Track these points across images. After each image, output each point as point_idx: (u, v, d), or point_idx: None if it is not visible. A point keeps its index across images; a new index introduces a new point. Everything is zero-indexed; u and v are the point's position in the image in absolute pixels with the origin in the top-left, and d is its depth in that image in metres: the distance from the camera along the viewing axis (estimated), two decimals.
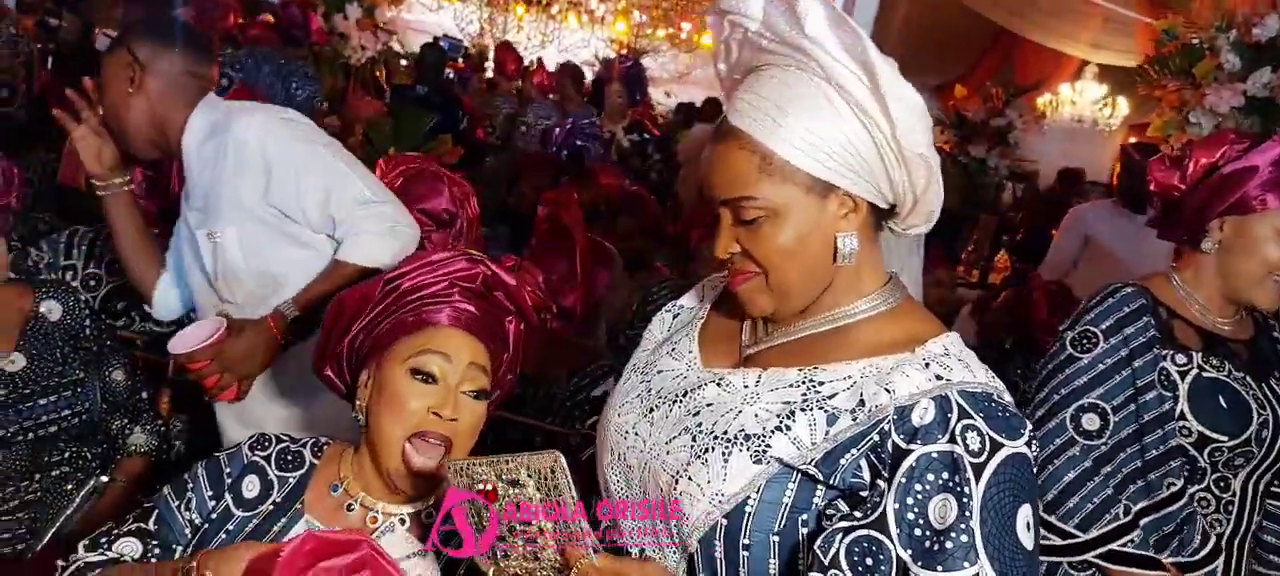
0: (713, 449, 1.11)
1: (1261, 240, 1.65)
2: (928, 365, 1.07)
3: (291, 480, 1.39)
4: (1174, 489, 1.66)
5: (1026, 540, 1.02)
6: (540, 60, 7.62)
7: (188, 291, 2.01)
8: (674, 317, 1.38)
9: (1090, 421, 1.66)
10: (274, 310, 1.81)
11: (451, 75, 7.53)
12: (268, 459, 1.41)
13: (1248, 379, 1.68)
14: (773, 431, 1.09)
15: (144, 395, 2.04)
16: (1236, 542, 1.71)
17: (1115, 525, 1.62)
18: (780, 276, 1.13)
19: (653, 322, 1.39)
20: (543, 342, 2.39)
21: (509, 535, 1.09)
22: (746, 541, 1.09)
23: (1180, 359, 1.67)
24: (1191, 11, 3.15)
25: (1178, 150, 1.85)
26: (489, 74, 8.04)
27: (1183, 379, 1.66)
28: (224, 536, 1.35)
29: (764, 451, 1.08)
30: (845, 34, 1.06)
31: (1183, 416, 1.64)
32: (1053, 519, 1.65)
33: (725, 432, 1.12)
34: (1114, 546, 1.62)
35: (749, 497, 1.08)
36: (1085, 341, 1.69)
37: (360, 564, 0.64)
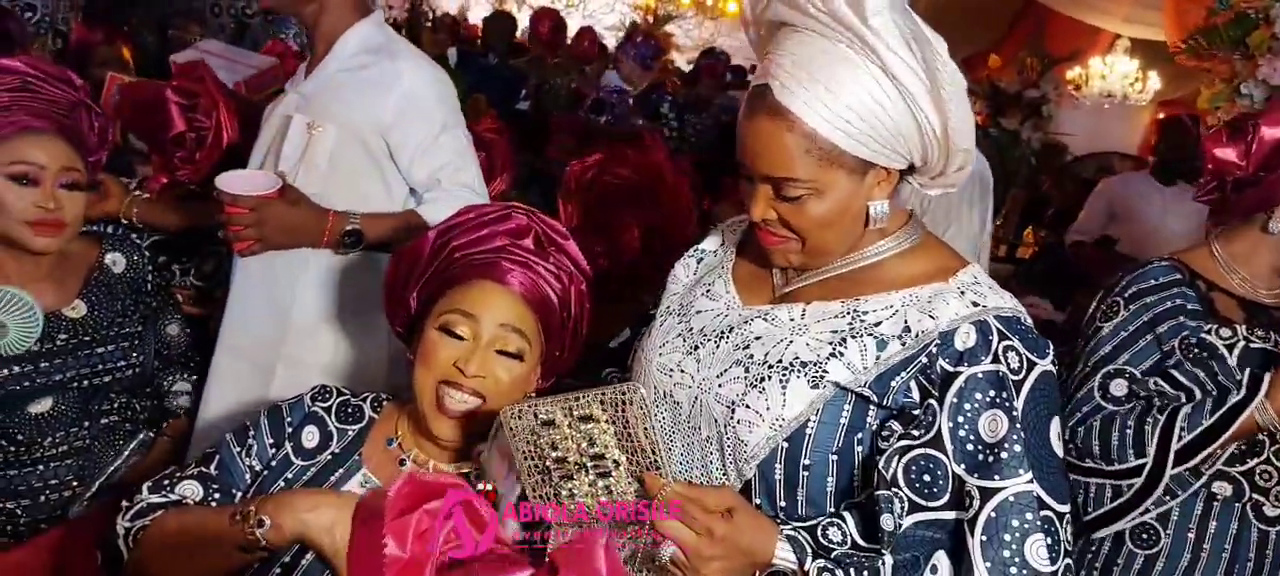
0: (769, 378, 1.17)
1: None
2: (963, 293, 1.16)
3: (350, 432, 1.40)
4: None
5: (1057, 448, 1.13)
6: (588, 28, 7.54)
7: None
8: (698, 261, 1.42)
9: (1118, 387, 1.67)
10: (339, 211, 1.85)
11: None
12: (328, 410, 1.41)
13: None
14: (827, 357, 1.16)
15: (193, 354, 2.05)
16: None
17: (1159, 431, 1.60)
18: (816, 242, 1.19)
19: (676, 268, 1.43)
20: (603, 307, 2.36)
21: (577, 473, 1.11)
22: (806, 461, 1.16)
23: (1224, 332, 1.66)
24: None
25: (1226, 122, 1.80)
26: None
27: (1231, 351, 1.65)
28: (282, 484, 1.35)
29: (821, 376, 1.15)
30: (907, 24, 1.07)
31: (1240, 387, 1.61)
32: (1109, 468, 1.63)
33: (779, 361, 1.18)
34: (1174, 450, 1.59)
35: (809, 420, 1.15)
36: (1110, 310, 1.72)
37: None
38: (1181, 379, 1.65)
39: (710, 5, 11.70)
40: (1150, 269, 1.73)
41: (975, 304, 1.14)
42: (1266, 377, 1.57)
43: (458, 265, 1.35)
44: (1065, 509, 1.10)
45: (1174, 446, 1.59)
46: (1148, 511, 1.67)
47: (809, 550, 1.12)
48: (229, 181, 1.80)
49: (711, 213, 3.22)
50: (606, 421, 1.08)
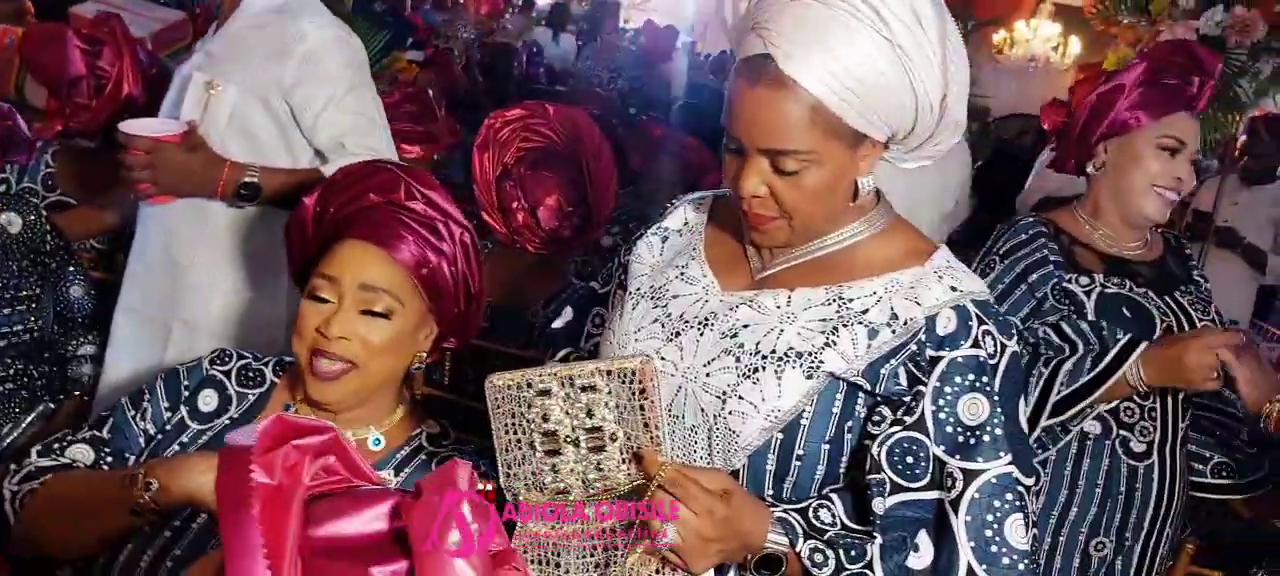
0: (763, 368, 1.15)
1: (1142, 155, 1.78)
2: (941, 277, 1.17)
3: (251, 397, 1.38)
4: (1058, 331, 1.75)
5: (1024, 425, 1.19)
6: None
7: None
8: (663, 241, 1.36)
9: None
10: (236, 163, 1.82)
11: None
12: (227, 374, 1.39)
13: (1149, 293, 1.78)
14: (822, 347, 1.15)
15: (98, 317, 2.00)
16: (1167, 450, 1.79)
17: (1041, 384, 1.70)
18: (805, 220, 1.16)
19: (639, 247, 1.36)
20: (508, 267, 2.36)
21: (566, 447, 1.07)
22: (800, 452, 1.16)
23: (1083, 280, 1.78)
24: None
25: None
26: None
27: (1088, 298, 1.75)
28: (177, 448, 1.33)
29: (817, 366, 1.14)
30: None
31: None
32: None
33: (773, 352, 1.16)
34: (1052, 402, 1.69)
35: (805, 411, 1.15)
36: (986, 267, 1.81)
37: (327, 447, 0.64)
38: (1068, 331, 1.75)
39: None
40: (1018, 226, 1.84)
41: (953, 288, 1.15)
42: (1142, 346, 1.66)
43: (332, 225, 1.33)
44: (1031, 481, 1.15)
45: (1052, 398, 1.68)
46: None
47: (800, 532, 1.12)
48: (133, 126, 1.78)
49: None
50: (609, 394, 1.04)
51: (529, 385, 1.05)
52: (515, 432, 1.08)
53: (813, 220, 1.17)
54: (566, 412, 1.06)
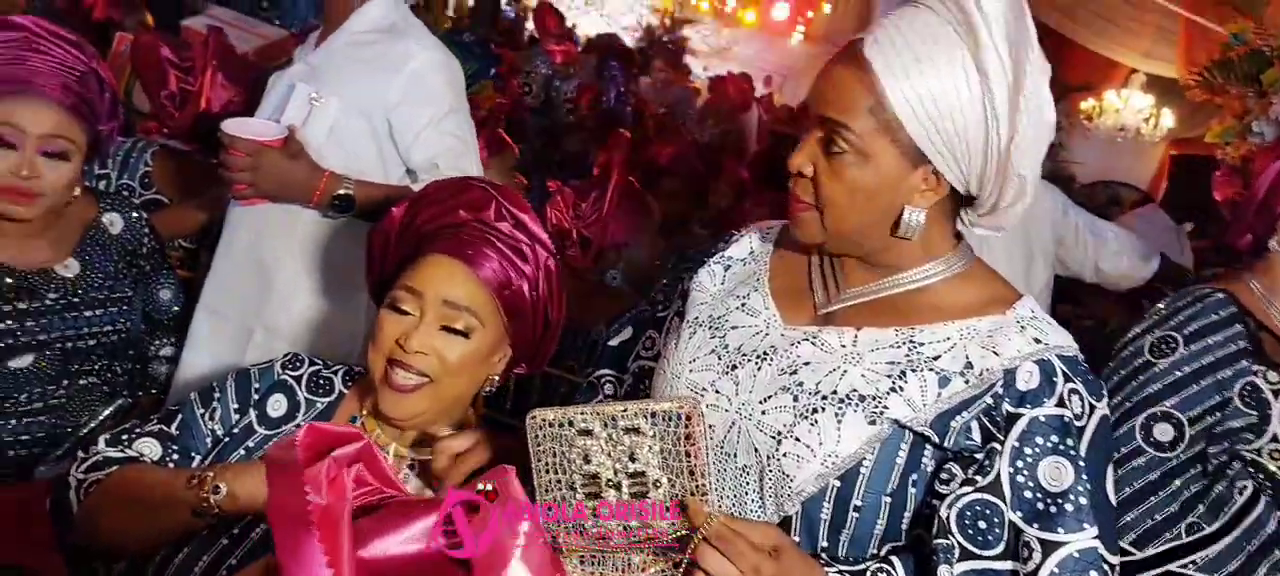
0: (822, 410, 1.09)
1: None
2: (1023, 328, 1.09)
3: (320, 404, 1.37)
4: (1246, 496, 1.57)
5: (1113, 497, 1.09)
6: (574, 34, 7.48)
7: None
8: (726, 270, 1.31)
9: (1163, 432, 1.57)
10: (335, 173, 1.85)
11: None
12: (298, 379, 1.39)
13: None
14: (887, 392, 1.08)
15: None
16: None
17: (1174, 544, 1.54)
18: (837, 217, 1.11)
19: (700, 275, 1.32)
20: (580, 289, 2.35)
21: (607, 491, 1.02)
22: (858, 502, 1.09)
23: (1273, 376, 1.57)
24: (1262, 18, 3.05)
25: (1235, 161, 1.78)
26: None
27: (1277, 398, 1.56)
28: (243, 453, 1.33)
29: (881, 413, 1.07)
30: (1017, 24, 1.02)
31: (1275, 438, 1.55)
32: (1127, 518, 1.57)
33: (834, 392, 1.09)
34: (1172, 567, 1.54)
35: (864, 459, 1.08)
36: (1164, 346, 1.60)
37: (359, 455, 0.61)
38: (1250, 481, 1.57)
39: (728, 12, 11.67)
40: (1209, 302, 1.62)
41: (1037, 341, 1.07)
42: None
43: (417, 237, 1.32)
44: (1116, 559, 1.06)
45: (1174, 566, 1.55)
46: None
47: None
48: (235, 126, 1.82)
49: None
50: (653, 437, 1.00)
51: (570, 423, 1.01)
52: (556, 472, 1.04)
53: (845, 221, 1.11)
54: (608, 454, 1.02)
